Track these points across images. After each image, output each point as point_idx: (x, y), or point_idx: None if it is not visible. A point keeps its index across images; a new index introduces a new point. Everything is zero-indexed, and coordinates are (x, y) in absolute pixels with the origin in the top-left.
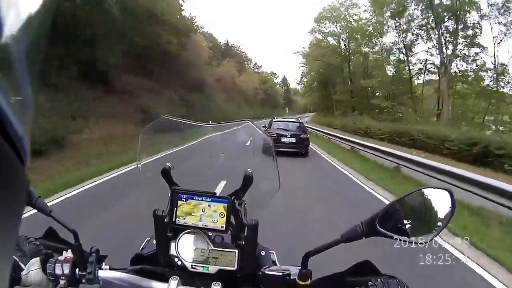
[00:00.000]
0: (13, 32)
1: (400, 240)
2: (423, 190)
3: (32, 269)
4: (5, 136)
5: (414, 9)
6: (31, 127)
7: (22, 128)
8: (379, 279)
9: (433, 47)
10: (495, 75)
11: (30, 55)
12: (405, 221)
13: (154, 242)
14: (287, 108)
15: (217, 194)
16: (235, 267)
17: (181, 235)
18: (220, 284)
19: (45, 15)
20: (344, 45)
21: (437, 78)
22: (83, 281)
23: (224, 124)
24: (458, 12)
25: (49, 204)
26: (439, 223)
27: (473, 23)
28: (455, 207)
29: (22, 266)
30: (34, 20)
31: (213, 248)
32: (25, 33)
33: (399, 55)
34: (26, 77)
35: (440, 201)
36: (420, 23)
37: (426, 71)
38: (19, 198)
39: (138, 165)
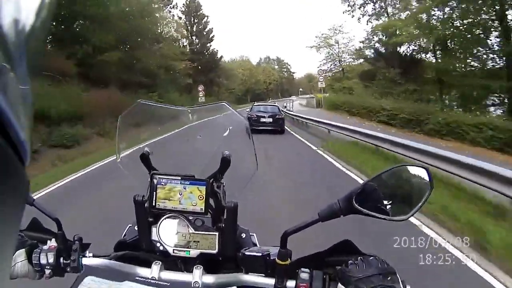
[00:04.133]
0: (13, 32)
1: (377, 217)
2: (400, 167)
3: (19, 261)
4: (5, 136)
5: None
6: (31, 127)
7: (22, 128)
8: (359, 258)
9: None
10: None
11: (30, 55)
12: (383, 199)
13: (136, 229)
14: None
15: (196, 177)
16: (216, 250)
17: (161, 219)
18: (202, 267)
19: (45, 16)
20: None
21: None
22: (68, 269)
23: (201, 107)
24: None
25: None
26: (417, 201)
27: None
28: (433, 185)
29: None
30: (34, 20)
31: (193, 231)
32: (25, 33)
33: None
34: (26, 77)
35: (417, 178)
36: None
37: None
38: (19, 198)
39: (117, 152)
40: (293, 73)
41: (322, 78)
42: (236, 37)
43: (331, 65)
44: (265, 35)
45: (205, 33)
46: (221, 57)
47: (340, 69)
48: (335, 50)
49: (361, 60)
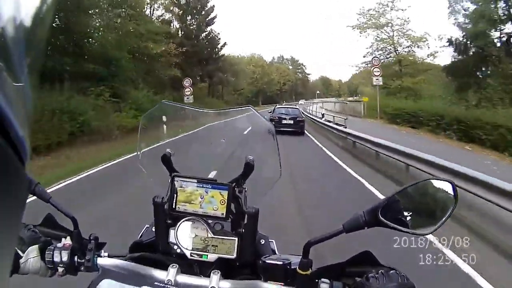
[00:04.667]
0: (13, 32)
1: (402, 231)
2: (425, 181)
3: (31, 257)
4: (5, 136)
5: None
6: (31, 127)
7: (22, 128)
8: (379, 271)
9: None
10: None
11: (30, 55)
12: (407, 213)
13: (153, 230)
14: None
15: (218, 181)
16: (235, 256)
17: (180, 222)
18: (219, 272)
19: (45, 17)
20: None
21: None
22: (82, 268)
23: (226, 111)
24: None
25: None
26: (441, 215)
27: None
28: (457, 199)
29: (21, 253)
30: (34, 20)
31: (212, 235)
32: (25, 33)
33: None
34: (26, 77)
35: (442, 193)
36: None
37: None
38: (19, 198)
39: (138, 152)
40: (309, 74)
41: (379, 70)
42: (246, 34)
43: (381, 54)
44: (278, 33)
45: (202, 11)
46: (225, 43)
47: (391, 60)
48: (386, 33)
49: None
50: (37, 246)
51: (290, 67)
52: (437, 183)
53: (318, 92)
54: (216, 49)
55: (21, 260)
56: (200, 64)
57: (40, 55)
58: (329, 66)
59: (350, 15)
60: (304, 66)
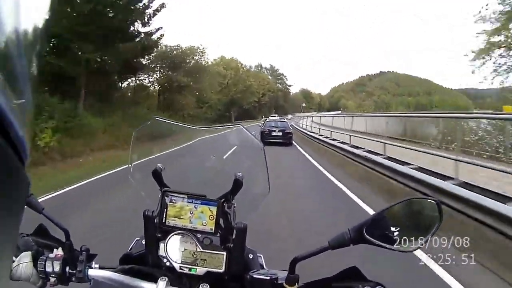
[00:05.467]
0: (13, 33)
1: (386, 248)
2: (411, 199)
3: (23, 262)
4: (5, 136)
5: None
6: (31, 127)
7: (22, 128)
8: (366, 286)
9: None
10: None
11: (30, 56)
12: (393, 230)
13: (143, 243)
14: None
15: (207, 197)
16: (223, 270)
17: (170, 236)
18: (208, 286)
19: (45, 18)
20: None
21: None
22: (73, 279)
23: (215, 128)
24: None
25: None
26: (425, 233)
27: None
28: (442, 218)
29: (13, 258)
30: (34, 21)
31: (201, 250)
32: (25, 34)
33: None
34: (26, 77)
35: (427, 211)
36: None
37: None
38: (19, 198)
39: (130, 166)
40: (290, 86)
41: None
42: (220, 38)
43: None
44: (256, 40)
45: None
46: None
47: None
48: None
49: None
50: (30, 252)
51: (270, 77)
52: (423, 202)
53: (303, 104)
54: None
55: (13, 265)
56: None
57: (39, 58)
58: (310, 78)
59: (336, 24)
60: (285, 76)
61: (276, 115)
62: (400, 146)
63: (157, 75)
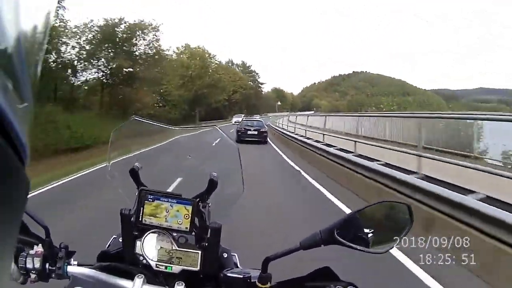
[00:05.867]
0: (14, 33)
1: (357, 249)
2: (383, 202)
3: None
4: (5, 136)
5: None
6: (31, 127)
7: (23, 128)
8: (337, 286)
9: None
10: None
11: (31, 57)
12: (365, 231)
13: (120, 240)
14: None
15: (183, 196)
16: (198, 268)
17: (146, 234)
18: (184, 284)
19: (45, 18)
20: None
21: None
22: (53, 275)
23: (192, 128)
24: None
25: None
26: (396, 235)
27: None
28: (413, 221)
29: None
30: (35, 22)
31: (177, 248)
32: (26, 35)
33: None
34: (27, 77)
35: (398, 214)
36: None
37: None
38: (19, 198)
39: (108, 164)
40: (263, 84)
41: None
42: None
43: None
44: (227, 35)
45: None
46: None
47: None
48: None
49: None
50: None
51: (241, 74)
52: (394, 205)
53: (279, 103)
54: None
55: None
56: None
57: (39, 58)
58: (282, 77)
59: (309, 22)
60: (257, 74)
61: (242, 115)
62: (370, 144)
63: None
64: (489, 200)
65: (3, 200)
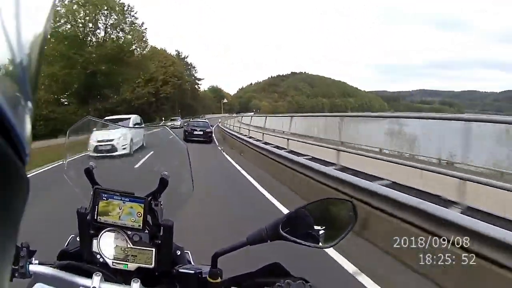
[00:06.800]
0: (14, 33)
1: (301, 244)
2: (327, 199)
3: None
4: (5, 136)
5: None
6: (31, 126)
7: (23, 128)
8: (286, 281)
9: None
10: None
11: (31, 56)
12: (310, 227)
13: (78, 239)
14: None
15: (135, 195)
16: (153, 265)
17: (102, 232)
18: (139, 281)
19: (45, 18)
20: None
21: None
22: (16, 275)
23: (143, 127)
24: None
25: None
26: (341, 232)
27: None
28: (357, 217)
29: None
30: (35, 22)
31: (132, 246)
32: (26, 34)
33: None
34: (27, 77)
35: (343, 211)
36: None
37: None
38: (19, 198)
39: (64, 162)
40: (200, 80)
41: None
42: None
43: None
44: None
45: None
46: None
47: None
48: None
49: None
50: None
51: (175, 59)
52: (338, 202)
53: (225, 100)
54: None
55: None
56: None
57: (38, 58)
58: (217, 77)
59: (245, 21)
60: (194, 68)
61: (178, 118)
62: (300, 141)
63: None
64: (395, 185)
65: (4, 200)
